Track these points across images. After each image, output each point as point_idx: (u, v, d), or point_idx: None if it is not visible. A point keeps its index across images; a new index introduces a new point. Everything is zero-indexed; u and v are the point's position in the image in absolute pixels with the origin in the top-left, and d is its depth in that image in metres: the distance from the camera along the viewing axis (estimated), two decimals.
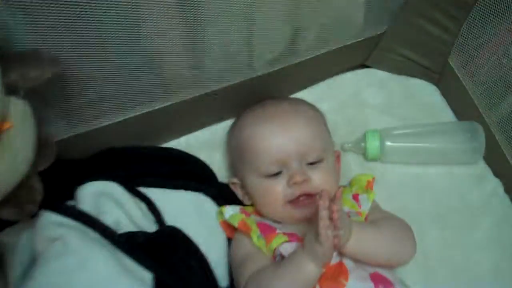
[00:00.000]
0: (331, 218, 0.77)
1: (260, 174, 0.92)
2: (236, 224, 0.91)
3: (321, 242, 0.77)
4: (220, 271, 0.94)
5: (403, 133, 1.08)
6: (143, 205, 0.94)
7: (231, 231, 0.96)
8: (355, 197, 0.96)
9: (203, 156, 1.04)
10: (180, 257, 0.89)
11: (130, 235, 0.86)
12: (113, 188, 0.91)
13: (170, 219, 0.95)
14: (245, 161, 0.95)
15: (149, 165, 1.00)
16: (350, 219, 0.85)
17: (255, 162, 0.92)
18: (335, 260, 0.84)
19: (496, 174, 1.10)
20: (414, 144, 1.07)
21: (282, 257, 0.85)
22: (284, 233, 0.88)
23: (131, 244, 0.84)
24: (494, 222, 1.05)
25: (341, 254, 0.85)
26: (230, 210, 0.94)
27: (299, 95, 1.14)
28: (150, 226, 0.92)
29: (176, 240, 0.92)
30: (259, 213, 0.96)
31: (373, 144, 1.06)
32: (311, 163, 0.92)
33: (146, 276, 0.81)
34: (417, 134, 1.08)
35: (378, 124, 1.12)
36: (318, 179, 0.91)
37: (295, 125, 0.93)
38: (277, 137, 0.92)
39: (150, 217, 0.94)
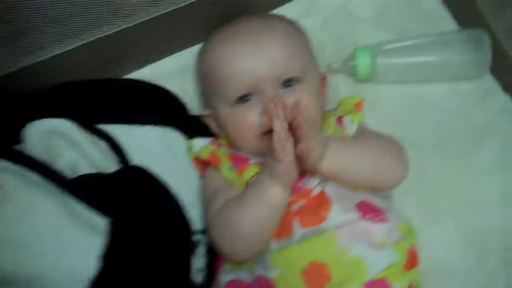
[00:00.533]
0: (292, 129, 0.70)
1: (229, 102, 0.82)
2: (204, 156, 0.83)
3: (278, 158, 0.69)
4: (194, 213, 0.86)
5: (398, 47, 0.97)
6: (103, 144, 0.85)
7: (204, 168, 0.88)
8: (339, 120, 0.86)
9: (172, 86, 0.94)
10: (147, 200, 0.80)
11: (83, 178, 0.78)
12: (67, 126, 0.81)
13: (136, 159, 0.86)
14: (213, 88, 0.85)
15: (109, 99, 0.91)
16: (324, 134, 0.78)
17: (223, 88, 0.83)
18: (316, 190, 0.77)
19: (505, 88, 1.00)
20: (410, 59, 0.97)
21: None
22: (258, 163, 0.79)
23: (83, 188, 0.75)
24: (503, 144, 0.96)
25: (323, 182, 0.77)
26: (199, 143, 0.87)
27: (279, 10, 1.02)
28: (112, 167, 0.83)
29: (142, 181, 0.83)
30: (234, 147, 0.87)
31: (363, 62, 0.95)
32: (288, 85, 0.81)
33: (99, 222, 0.73)
34: (414, 47, 0.97)
35: (370, 39, 0.99)
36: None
37: (268, 44, 0.82)
38: (246, 58, 0.81)
39: (113, 157, 0.85)
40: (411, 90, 0.99)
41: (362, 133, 0.85)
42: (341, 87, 0.99)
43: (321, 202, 0.75)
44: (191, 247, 0.82)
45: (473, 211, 0.90)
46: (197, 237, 0.84)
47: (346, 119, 0.86)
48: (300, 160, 0.73)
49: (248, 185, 0.77)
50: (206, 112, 0.90)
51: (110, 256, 0.70)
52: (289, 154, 0.69)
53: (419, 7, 1.05)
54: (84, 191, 0.73)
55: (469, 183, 0.93)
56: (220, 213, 0.76)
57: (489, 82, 1.00)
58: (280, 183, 0.72)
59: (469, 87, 0.99)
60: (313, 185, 0.77)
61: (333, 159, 0.75)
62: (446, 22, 1.04)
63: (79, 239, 0.72)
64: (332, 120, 0.86)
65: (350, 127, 0.85)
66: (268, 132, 0.80)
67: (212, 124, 0.89)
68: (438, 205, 0.91)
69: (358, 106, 0.89)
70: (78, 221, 0.72)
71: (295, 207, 0.76)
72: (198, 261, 0.83)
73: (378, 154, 0.79)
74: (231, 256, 0.77)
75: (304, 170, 0.76)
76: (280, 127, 0.70)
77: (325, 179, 0.77)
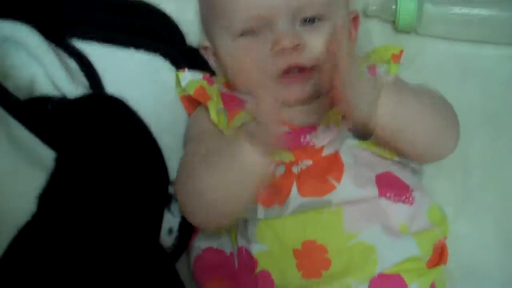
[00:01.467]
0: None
1: (233, 34, 0.70)
2: (192, 91, 0.72)
3: (258, 112, 0.55)
4: (175, 161, 0.72)
5: None
6: (72, 63, 0.72)
7: (194, 107, 0.75)
8: (372, 70, 0.72)
9: (168, 8, 0.81)
10: (117, 138, 0.66)
11: (39, 101, 0.65)
12: (27, 34, 0.68)
13: (112, 86, 0.73)
14: (215, 16, 0.72)
15: (89, 10, 0.76)
16: (374, 77, 0.65)
17: (226, 17, 0.70)
18: (329, 149, 0.65)
19: None
20: (465, 10, 0.82)
21: None
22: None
23: (34, 112, 0.61)
24: None
25: (340, 139, 0.66)
26: (188, 76, 0.74)
27: None
28: (79, 91, 0.69)
29: (114, 114, 0.68)
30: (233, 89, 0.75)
31: (407, 7, 0.82)
32: (308, 21, 0.68)
33: (46, 155, 0.60)
34: None
35: None
36: (317, 45, 0.67)
37: None
38: None
39: (82, 80, 0.72)
40: (461, 49, 0.85)
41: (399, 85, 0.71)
42: (376, 35, 0.85)
43: (332, 166, 0.64)
44: (165, 200, 0.69)
45: None
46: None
47: (380, 69, 0.72)
48: (343, 111, 0.62)
49: (227, 139, 0.65)
50: (205, 43, 0.77)
51: (48, 200, 0.56)
52: (272, 110, 0.55)
53: None
54: (32, 116, 0.60)
55: None
56: (186, 170, 0.65)
57: None
58: (258, 146, 0.57)
59: None
60: (325, 141, 0.65)
61: (391, 114, 0.61)
62: None
63: (17, 172, 0.60)
64: (363, 71, 0.72)
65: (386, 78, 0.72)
66: (276, 76, 0.68)
67: (211, 59, 0.77)
68: (477, 196, 0.78)
69: (396, 58, 0.75)
70: (20, 151, 0.61)
71: (296, 168, 0.64)
72: (172, 220, 0.70)
73: (441, 116, 0.67)
74: (197, 224, 0.67)
75: (351, 128, 0.65)
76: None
77: (342, 135, 0.65)
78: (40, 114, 0.61)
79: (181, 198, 0.65)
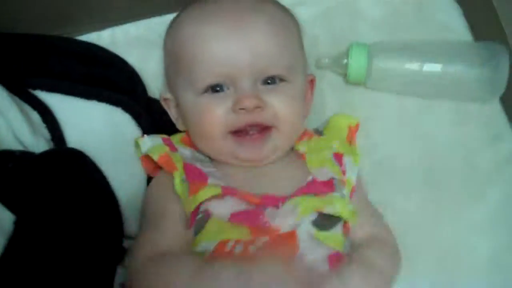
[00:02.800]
0: None
1: (197, 90, 0.70)
2: (156, 157, 0.70)
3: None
4: (131, 215, 0.73)
5: (400, 50, 0.84)
6: (34, 115, 0.72)
7: (153, 170, 0.74)
8: (338, 158, 0.74)
9: (132, 59, 0.82)
10: (76, 193, 0.67)
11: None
12: None
13: (73, 138, 0.73)
14: (179, 71, 0.72)
15: (52, 61, 0.77)
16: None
17: (191, 72, 0.70)
18: (287, 228, 0.64)
19: None
20: (413, 67, 0.83)
21: (208, 215, 0.64)
22: (218, 185, 0.66)
23: None
24: (504, 196, 0.81)
25: (300, 220, 0.65)
26: (148, 141, 0.72)
27: None
28: (41, 144, 0.70)
29: (75, 169, 0.69)
30: (192, 145, 0.75)
31: (358, 61, 0.83)
32: (269, 82, 0.69)
33: (6, 218, 0.59)
34: (419, 53, 0.83)
35: (372, 41, 0.86)
36: (277, 106, 0.69)
37: (253, 28, 0.69)
38: (224, 40, 0.68)
39: (43, 132, 0.72)
40: (408, 104, 0.85)
41: (362, 216, 0.70)
42: (328, 88, 0.86)
43: (288, 243, 0.63)
44: (120, 254, 0.69)
45: (454, 273, 0.76)
46: (130, 243, 0.71)
47: (347, 161, 0.74)
48: None
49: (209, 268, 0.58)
50: (166, 96, 0.76)
51: (6, 264, 0.56)
52: None
53: (432, 13, 0.92)
54: None
55: (457, 237, 0.78)
56: (157, 275, 0.60)
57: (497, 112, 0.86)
58: None
59: (476, 113, 0.85)
60: (285, 223, 0.64)
61: None
62: (461, 31, 0.91)
63: None
64: (329, 156, 0.73)
65: (351, 172, 0.73)
66: (236, 133, 0.69)
67: (172, 111, 0.77)
68: (414, 259, 0.73)
69: (353, 132, 0.78)
70: None
71: (253, 247, 0.62)
72: (124, 274, 0.69)
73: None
74: None
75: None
76: None
77: (302, 218, 0.65)
78: (3, 171, 0.61)
79: None
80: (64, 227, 0.62)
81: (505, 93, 0.82)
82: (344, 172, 0.72)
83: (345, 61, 0.84)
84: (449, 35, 0.90)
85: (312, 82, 0.78)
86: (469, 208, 0.80)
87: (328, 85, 0.86)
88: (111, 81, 0.78)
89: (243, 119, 0.67)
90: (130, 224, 0.71)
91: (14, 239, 0.57)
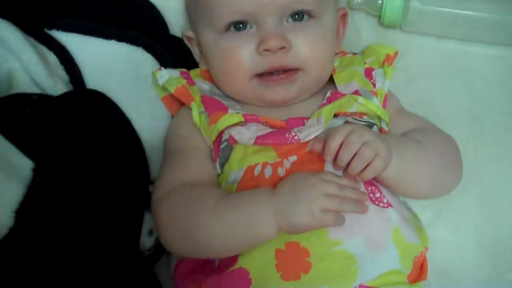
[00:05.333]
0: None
1: (218, 29, 0.67)
2: (172, 89, 0.69)
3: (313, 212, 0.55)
4: (157, 158, 0.71)
5: None
6: (51, 56, 0.69)
7: (175, 108, 0.73)
8: (368, 73, 0.72)
9: None
10: (98, 136, 0.64)
11: (16, 99, 0.61)
12: (3, 28, 0.64)
13: (92, 79, 0.71)
14: (200, 8, 0.69)
15: (68, 0, 0.72)
16: (384, 135, 0.64)
17: (212, 9, 0.66)
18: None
19: None
20: (450, 9, 0.80)
21: (232, 142, 0.63)
22: (239, 112, 0.65)
23: (11, 118, 0.58)
24: None
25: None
26: (165, 74, 0.71)
27: None
28: (59, 86, 0.67)
29: (95, 111, 0.66)
30: (211, 80, 0.73)
31: (393, 3, 0.79)
32: (296, 19, 0.65)
33: (23, 165, 0.56)
34: None
35: None
36: (303, 47, 0.65)
37: None
38: None
39: (61, 74, 0.69)
40: (446, 47, 0.83)
41: (402, 116, 0.72)
42: (361, 29, 0.83)
43: (315, 161, 0.62)
44: (146, 200, 0.67)
45: (498, 214, 0.75)
46: None
47: (377, 73, 0.72)
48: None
49: (240, 195, 0.60)
50: (189, 34, 0.74)
51: (26, 213, 0.53)
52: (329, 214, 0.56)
53: None
54: (8, 122, 0.57)
55: (501, 178, 0.76)
56: (177, 203, 0.61)
57: None
58: (285, 229, 0.57)
59: None
60: (311, 137, 0.63)
61: (395, 170, 0.62)
62: None
63: None
64: (360, 71, 0.72)
65: (383, 84, 0.71)
66: (262, 75, 0.66)
67: (195, 50, 0.74)
68: (455, 198, 0.74)
69: (390, 59, 0.74)
70: None
71: (281, 169, 0.62)
72: (152, 221, 0.67)
73: (445, 166, 0.67)
74: (174, 252, 0.66)
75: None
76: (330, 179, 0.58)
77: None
78: (17, 119, 0.58)
79: (164, 232, 0.62)
80: (86, 174, 0.59)
81: None
82: (374, 85, 0.71)
83: (379, 2, 0.80)
84: None
85: (344, 16, 0.75)
86: None
87: (362, 25, 0.83)
88: (132, 19, 0.74)
89: (268, 62, 0.65)
90: (156, 168, 0.70)
91: (32, 187, 0.54)
